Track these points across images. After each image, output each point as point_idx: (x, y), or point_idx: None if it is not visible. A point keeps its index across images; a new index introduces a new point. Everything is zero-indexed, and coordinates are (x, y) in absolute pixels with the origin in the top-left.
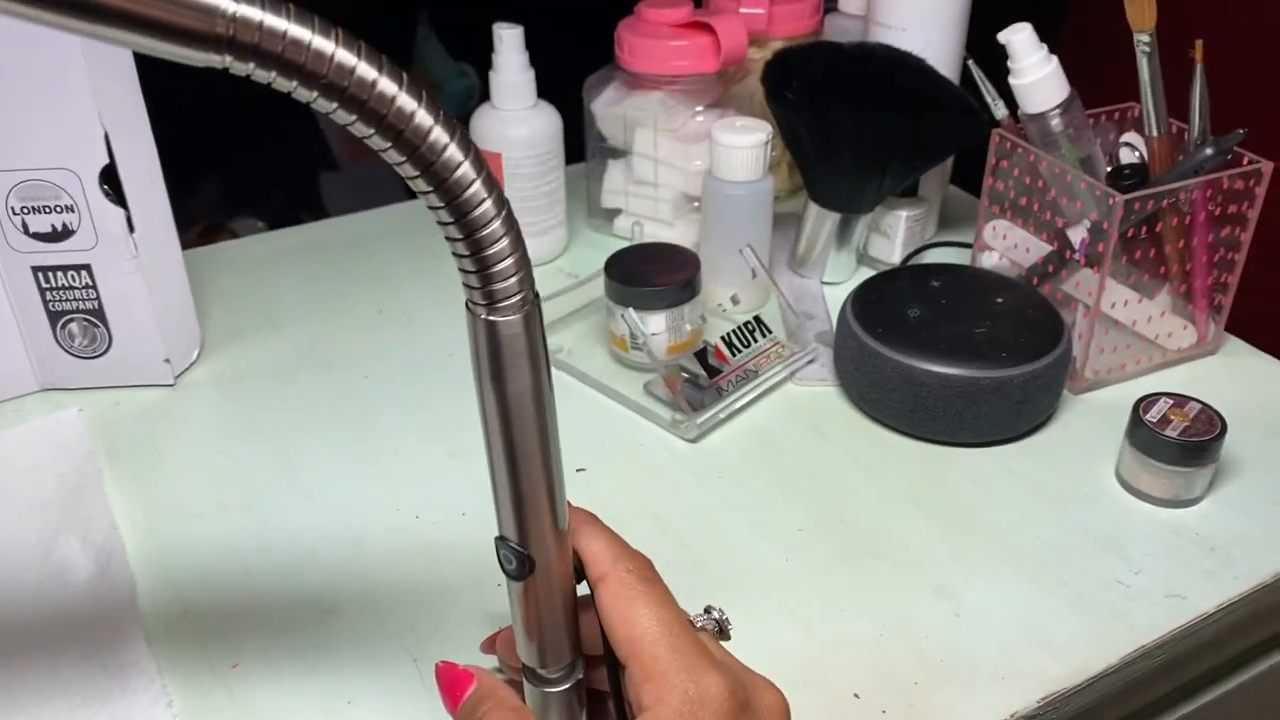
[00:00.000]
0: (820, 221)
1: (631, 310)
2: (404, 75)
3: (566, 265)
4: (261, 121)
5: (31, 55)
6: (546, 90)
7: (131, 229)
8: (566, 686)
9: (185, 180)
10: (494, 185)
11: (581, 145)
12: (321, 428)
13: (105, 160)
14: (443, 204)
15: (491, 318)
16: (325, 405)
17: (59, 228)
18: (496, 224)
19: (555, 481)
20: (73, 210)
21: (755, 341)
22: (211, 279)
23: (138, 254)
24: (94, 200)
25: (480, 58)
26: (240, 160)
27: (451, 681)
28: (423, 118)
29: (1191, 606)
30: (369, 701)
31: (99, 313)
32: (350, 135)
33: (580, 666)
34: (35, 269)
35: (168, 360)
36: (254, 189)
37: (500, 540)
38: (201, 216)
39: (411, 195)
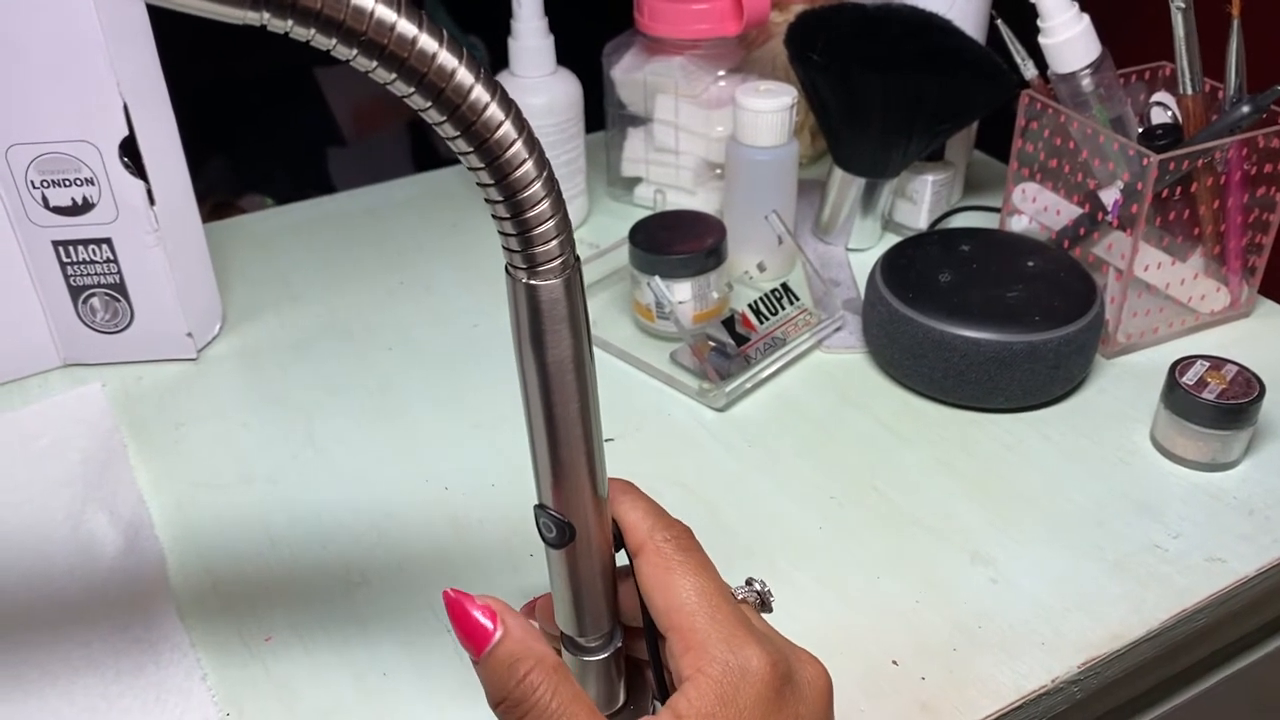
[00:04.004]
0: (845, 187)
1: (658, 278)
2: (444, 32)
3: (587, 235)
4: (268, 99)
5: (49, 27)
6: (565, 57)
7: (152, 202)
8: (605, 655)
9: (193, 158)
10: (535, 145)
11: (600, 113)
12: (346, 400)
13: (125, 132)
14: (483, 165)
15: (532, 281)
16: (348, 378)
17: (79, 201)
18: (538, 185)
19: (595, 449)
20: (93, 183)
21: (783, 309)
22: (229, 253)
23: (158, 227)
24: (114, 173)
25: (489, 30)
26: (248, 138)
27: (472, 626)
28: (463, 76)
29: (1231, 570)
30: (404, 674)
31: (120, 287)
32: (357, 111)
33: (619, 635)
34: (56, 243)
35: (190, 334)
36: (262, 166)
37: (540, 508)
38: (210, 193)
39: (422, 168)
